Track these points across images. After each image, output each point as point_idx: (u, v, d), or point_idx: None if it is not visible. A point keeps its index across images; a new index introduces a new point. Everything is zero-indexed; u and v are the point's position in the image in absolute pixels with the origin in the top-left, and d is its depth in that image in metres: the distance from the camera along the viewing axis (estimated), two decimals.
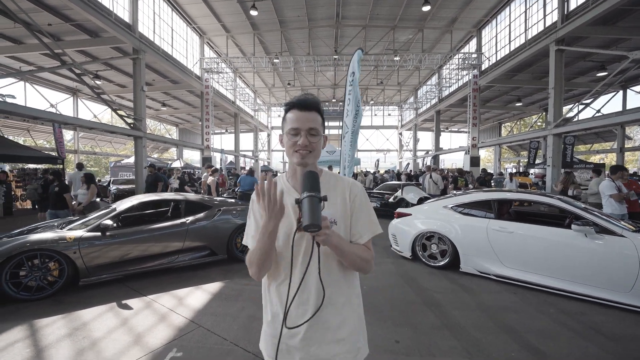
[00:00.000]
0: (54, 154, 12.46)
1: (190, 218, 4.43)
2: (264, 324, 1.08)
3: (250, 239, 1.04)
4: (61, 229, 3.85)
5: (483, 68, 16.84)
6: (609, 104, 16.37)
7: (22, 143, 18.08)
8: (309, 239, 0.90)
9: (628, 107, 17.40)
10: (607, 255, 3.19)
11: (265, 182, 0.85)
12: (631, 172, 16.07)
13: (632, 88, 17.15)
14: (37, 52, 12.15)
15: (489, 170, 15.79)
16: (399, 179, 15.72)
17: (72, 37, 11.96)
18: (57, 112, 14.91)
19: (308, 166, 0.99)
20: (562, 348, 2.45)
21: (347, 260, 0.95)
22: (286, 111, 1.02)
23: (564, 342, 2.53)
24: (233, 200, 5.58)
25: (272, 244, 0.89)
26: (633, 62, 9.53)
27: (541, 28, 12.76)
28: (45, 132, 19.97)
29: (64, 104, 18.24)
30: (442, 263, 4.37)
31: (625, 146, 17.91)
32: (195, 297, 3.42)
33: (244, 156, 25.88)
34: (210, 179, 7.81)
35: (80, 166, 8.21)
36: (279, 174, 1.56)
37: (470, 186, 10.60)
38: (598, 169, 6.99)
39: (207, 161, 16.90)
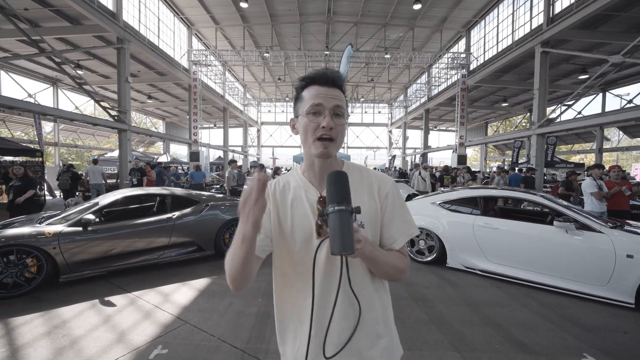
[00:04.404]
0: (32, 146, 11.97)
1: (177, 213, 4.33)
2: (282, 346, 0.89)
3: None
4: (40, 223, 3.70)
5: (471, 68, 17.10)
6: (589, 106, 16.97)
7: None
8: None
9: (607, 109, 18.07)
10: (586, 251, 3.31)
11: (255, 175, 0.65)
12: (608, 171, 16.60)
13: (611, 91, 17.77)
14: (12, 39, 11.53)
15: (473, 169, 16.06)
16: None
17: (51, 24, 11.41)
18: (36, 102, 14.28)
19: (330, 158, 0.82)
20: (542, 339, 2.53)
21: (379, 271, 0.80)
22: (302, 88, 0.83)
23: (544, 333, 2.62)
24: (222, 195, 5.52)
25: (247, 255, 0.70)
26: (612, 66, 9.87)
27: (528, 30, 13.03)
28: (23, 123, 19.12)
29: (43, 94, 17.49)
30: (429, 259, 4.44)
31: (604, 147, 18.60)
32: (182, 293, 3.36)
33: (233, 151, 25.52)
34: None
35: (95, 161, 9.76)
36: (291, 168, 1.26)
37: (463, 180, 10.60)
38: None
39: (194, 156, 16.59)
